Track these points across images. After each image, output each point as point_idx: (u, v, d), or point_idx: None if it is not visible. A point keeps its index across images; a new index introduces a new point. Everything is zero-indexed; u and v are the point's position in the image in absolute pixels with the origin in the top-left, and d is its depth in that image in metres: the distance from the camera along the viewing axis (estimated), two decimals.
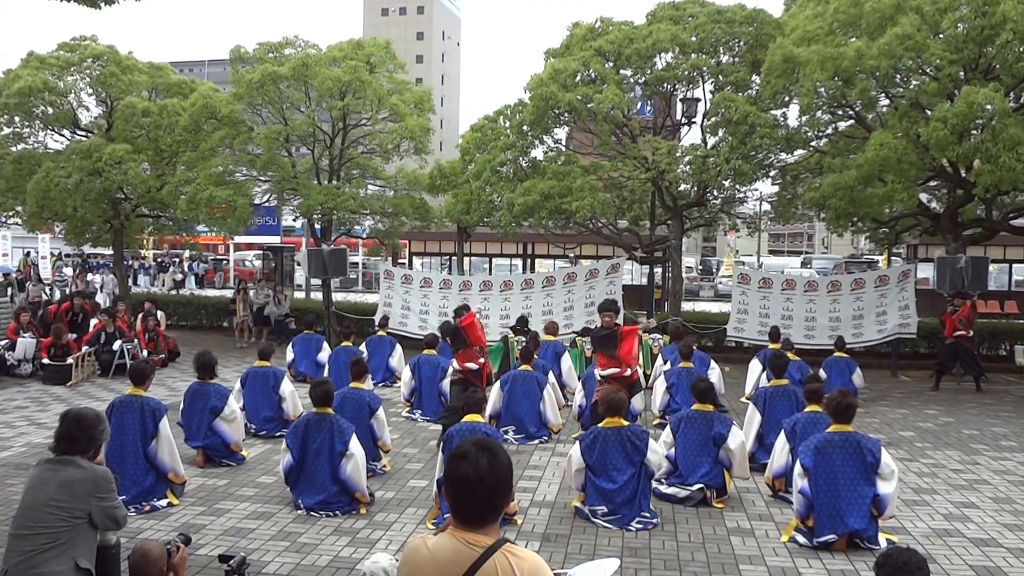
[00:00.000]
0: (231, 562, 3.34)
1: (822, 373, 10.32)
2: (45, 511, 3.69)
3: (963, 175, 12.59)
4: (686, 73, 14.30)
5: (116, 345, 12.33)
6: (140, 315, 14.13)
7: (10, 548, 3.73)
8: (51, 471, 3.82)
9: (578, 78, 14.27)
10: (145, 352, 12.59)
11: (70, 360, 11.81)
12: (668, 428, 6.82)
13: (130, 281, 24.21)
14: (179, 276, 34.38)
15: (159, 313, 14.60)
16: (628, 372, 8.00)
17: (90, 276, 25.62)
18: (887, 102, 13.26)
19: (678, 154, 14.33)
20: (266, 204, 18.35)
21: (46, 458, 3.92)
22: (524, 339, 11.06)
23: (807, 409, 6.57)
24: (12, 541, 3.73)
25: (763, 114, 13.27)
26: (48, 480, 3.78)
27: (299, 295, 23.19)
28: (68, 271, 29.39)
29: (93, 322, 13.38)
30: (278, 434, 8.19)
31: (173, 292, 27.18)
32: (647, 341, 12.05)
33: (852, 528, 5.45)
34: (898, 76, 12.31)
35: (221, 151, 15.73)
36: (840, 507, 5.48)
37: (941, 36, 11.56)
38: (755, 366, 10.71)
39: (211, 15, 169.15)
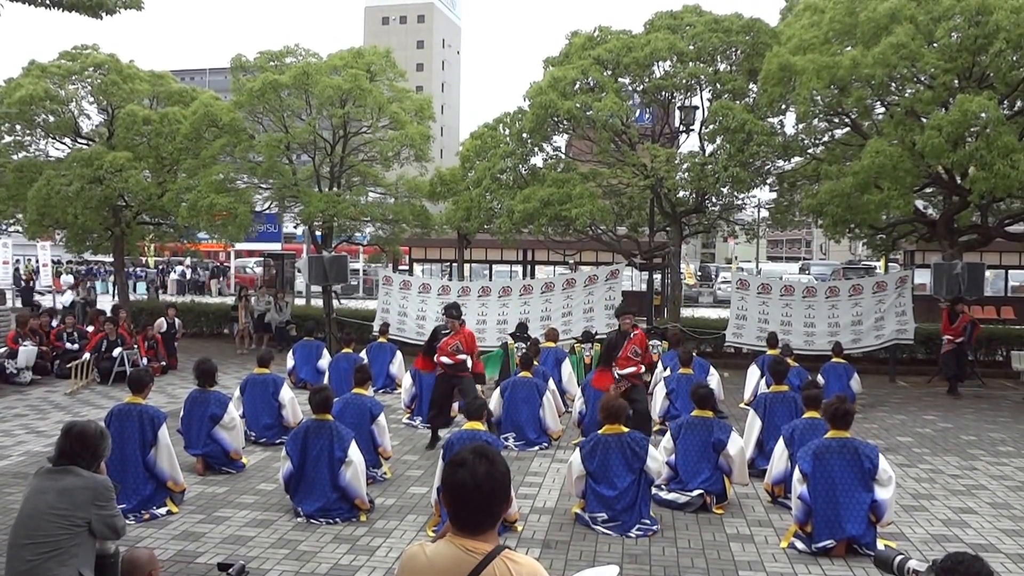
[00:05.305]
0: (230, 570, 3.28)
1: (820, 379, 10.34)
2: (45, 519, 3.67)
3: (958, 182, 12.64)
4: (684, 81, 14.36)
5: (116, 352, 12.35)
6: (156, 323, 14.11)
7: (12, 558, 3.70)
8: (50, 480, 3.80)
9: (577, 86, 14.33)
10: (145, 360, 12.61)
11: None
12: (668, 434, 6.85)
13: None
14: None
15: (177, 321, 14.58)
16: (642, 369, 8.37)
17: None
18: (882, 110, 13.33)
19: (676, 161, 14.38)
20: (267, 211, 18.35)
21: (45, 468, 3.91)
22: (524, 345, 11.10)
23: (805, 415, 6.60)
24: (12, 551, 3.70)
25: (760, 122, 13.33)
26: (48, 488, 3.76)
27: (300, 302, 23.19)
28: (69, 279, 29.38)
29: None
30: (278, 441, 8.21)
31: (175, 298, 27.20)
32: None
33: (850, 534, 5.47)
34: (893, 84, 12.37)
35: (222, 159, 15.77)
36: (838, 513, 5.50)
37: (935, 45, 11.63)
38: (754, 372, 10.76)
39: (212, 24, 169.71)
